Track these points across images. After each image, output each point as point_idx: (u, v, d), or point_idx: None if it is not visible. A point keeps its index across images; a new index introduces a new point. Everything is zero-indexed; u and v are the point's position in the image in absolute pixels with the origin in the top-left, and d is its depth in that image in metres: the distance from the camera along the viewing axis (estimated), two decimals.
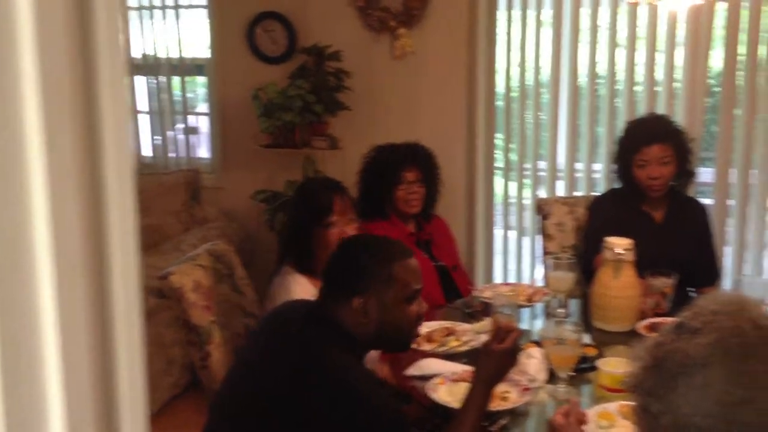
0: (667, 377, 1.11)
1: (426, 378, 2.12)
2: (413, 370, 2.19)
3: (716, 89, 3.82)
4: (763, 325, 1.10)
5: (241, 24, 4.28)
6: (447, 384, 2.07)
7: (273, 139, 4.05)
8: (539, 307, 2.81)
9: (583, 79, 3.91)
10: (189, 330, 2.29)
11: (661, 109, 3.71)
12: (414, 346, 2.34)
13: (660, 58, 3.75)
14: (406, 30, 3.96)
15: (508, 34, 3.97)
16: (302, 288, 2.34)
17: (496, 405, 1.95)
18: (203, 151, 4.82)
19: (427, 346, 2.36)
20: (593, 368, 2.14)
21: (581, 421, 1.73)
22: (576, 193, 3.99)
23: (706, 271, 3.03)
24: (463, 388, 2.02)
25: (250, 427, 1.69)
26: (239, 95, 4.23)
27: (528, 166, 4.13)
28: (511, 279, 4.20)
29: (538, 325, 2.68)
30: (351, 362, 1.73)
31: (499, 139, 4.17)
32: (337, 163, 3.99)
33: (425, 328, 2.46)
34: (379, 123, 4.07)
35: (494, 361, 1.80)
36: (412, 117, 4.07)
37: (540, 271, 3.77)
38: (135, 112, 4.80)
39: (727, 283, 3.54)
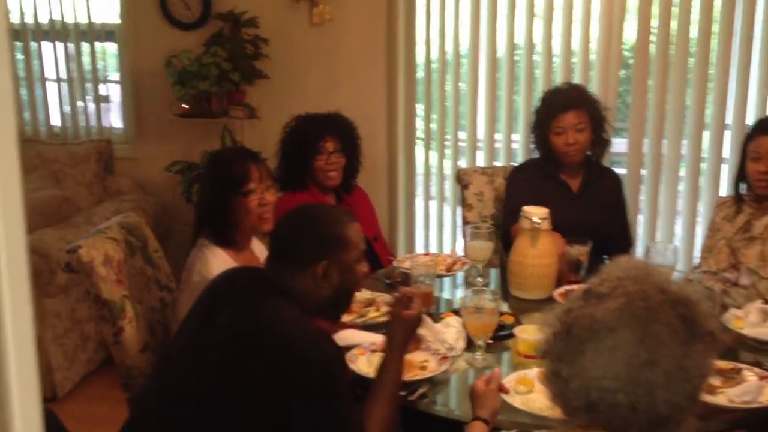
0: (576, 342, 1.13)
1: (345, 349, 2.10)
2: None
3: (630, 61, 3.89)
4: (668, 290, 1.13)
5: None
6: (366, 354, 2.06)
7: (189, 108, 3.93)
8: (459, 276, 2.83)
9: (501, 49, 3.92)
10: (100, 305, 2.22)
11: (577, 80, 3.76)
12: None
13: (576, 30, 3.79)
14: None
15: (428, 3, 3.94)
16: (219, 260, 2.28)
17: (414, 374, 1.95)
18: (116, 121, 4.65)
19: (346, 317, 2.33)
20: (511, 336, 2.17)
21: (501, 389, 1.75)
22: (495, 163, 4.02)
23: (620, 239, 3.10)
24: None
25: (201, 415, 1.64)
26: (152, 63, 4.09)
27: (448, 136, 4.14)
28: (433, 249, 4.22)
29: (459, 294, 2.70)
30: (308, 323, 1.72)
31: (419, 109, 4.16)
32: (255, 133, 3.92)
33: None
34: (298, 92, 4.00)
35: (405, 327, 1.83)
36: (331, 86, 4.01)
37: (461, 241, 3.80)
38: (43, 80, 4.60)
39: (639, 250, 3.63)
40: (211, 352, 1.64)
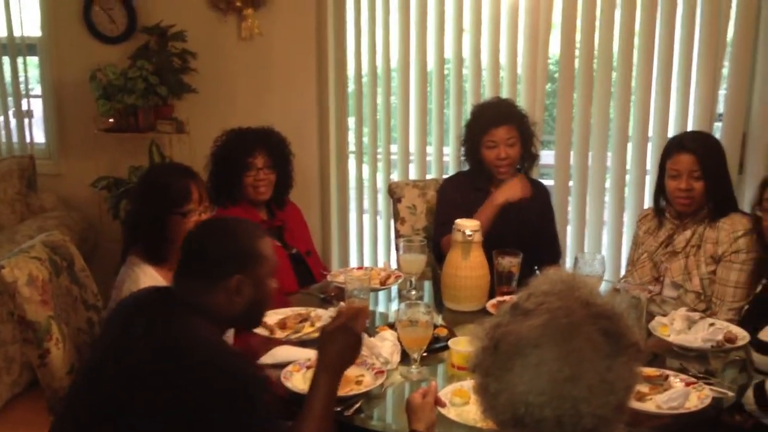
0: (503, 358, 1.15)
1: (280, 366, 2.09)
2: (267, 359, 2.15)
3: (556, 75, 3.98)
4: (592, 303, 1.15)
5: (76, 1, 4.03)
6: (301, 371, 2.05)
7: (114, 123, 3.85)
8: (393, 289, 2.84)
9: (431, 63, 3.96)
10: (25, 327, 2.14)
11: (505, 93, 3.82)
12: (267, 334, 2.31)
13: (503, 44, 3.86)
14: (253, 11, 3.87)
15: (357, 18, 3.96)
16: (150, 279, 2.24)
17: (350, 389, 1.94)
18: (38, 136, 4.52)
19: (280, 334, 2.32)
20: (445, 348, 2.18)
21: (438, 402, 1.75)
22: (427, 176, 4.06)
23: (550, 250, 3.17)
24: None
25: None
26: (75, 77, 3.99)
27: (380, 149, 4.15)
28: (367, 263, 4.22)
29: (394, 307, 2.70)
30: (220, 341, 1.70)
31: (351, 122, 4.16)
32: (184, 148, 3.85)
33: (278, 315, 2.43)
34: (228, 106, 3.96)
35: (333, 344, 1.77)
36: (262, 100, 3.98)
37: (395, 254, 3.81)
38: None
39: (569, 260, 3.71)
40: (125, 374, 1.59)
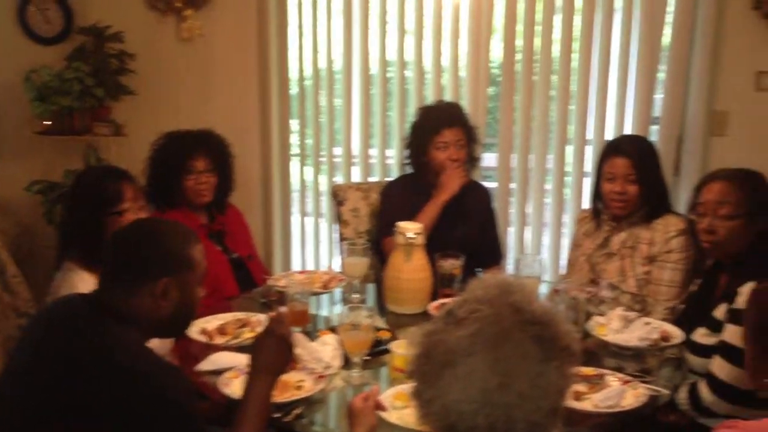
0: (435, 366, 1.15)
1: (218, 372, 2.05)
2: (205, 365, 2.11)
3: (498, 78, 4.02)
4: (524, 309, 1.16)
5: (9, 0, 3.92)
6: (240, 377, 2.01)
7: (50, 125, 3.74)
8: (337, 293, 2.82)
9: (374, 66, 3.96)
10: None
11: (448, 97, 3.84)
12: (206, 339, 2.27)
13: (446, 47, 3.88)
14: (193, 11, 3.81)
15: (300, 19, 3.93)
16: (86, 284, 2.17)
17: (290, 395, 1.92)
18: None
19: (219, 339, 2.29)
20: (387, 351, 2.17)
21: (379, 406, 1.75)
22: (371, 179, 4.05)
23: (492, 252, 3.19)
24: None
25: None
26: (9, 78, 3.86)
27: (324, 152, 4.13)
28: (310, 266, 4.20)
29: (336, 311, 2.69)
30: (140, 347, 1.63)
31: (294, 125, 4.14)
32: (122, 151, 3.77)
33: (218, 320, 2.40)
34: (167, 108, 3.89)
35: (263, 349, 1.76)
36: (202, 102, 3.93)
37: (339, 257, 3.80)
38: None
39: (510, 261, 3.74)
40: (47, 387, 1.53)
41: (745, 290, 2.10)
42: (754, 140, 3.83)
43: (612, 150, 2.77)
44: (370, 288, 2.92)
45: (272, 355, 1.75)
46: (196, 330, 2.28)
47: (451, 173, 2.98)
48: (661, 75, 3.87)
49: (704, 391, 2.11)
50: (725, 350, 2.08)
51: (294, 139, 4.15)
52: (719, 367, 2.09)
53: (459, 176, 2.99)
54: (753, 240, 2.24)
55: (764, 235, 2.23)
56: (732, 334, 2.06)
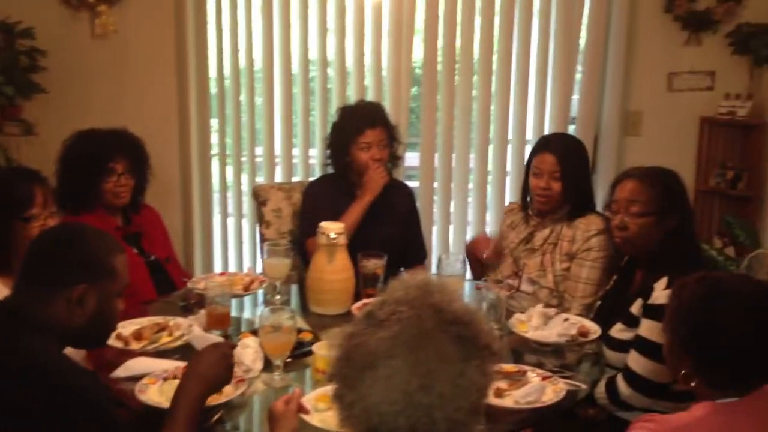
0: (356, 369, 1.14)
1: (135, 379, 1.99)
2: (120, 372, 2.04)
3: (421, 78, 4.03)
4: (444, 310, 1.16)
5: None
6: (158, 383, 1.96)
7: None
8: (260, 295, 2.78)
9: (296, 65, 3.92)
10: None
11: (370, 96, 3.85)
12: (121, 345, 2.20)
13: (368, 47, 3.88)
14: (107, 7, 3.70)
15: (218, 17, 3.86)
16: None
17: (211, 399, 1.87)
18: None
19: (136, 345, 2.21)
20: (310, 353, 2.15)
21: (301, 409, 1.72)
22: (294, 179, 4.02)
23: (415, 251, 3.20)
24: (175, 385, 1.93)
25: None
26: None
27: (245, 152, 4.07)
28: (232, 268, 4.13)
29: (258, 313, 2.64)
30: (56, 354, 1.57)
31: (214, 124, 4.06)
32: (33, 151, 3.63)
33: (134, 325, 2.33)
34: (81, 107, 3.77)
35: (206, 360, 1.74)
36: (118, 100, 3.81)
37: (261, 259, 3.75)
38: None
39: (434, 260, 3.76)
40: None
41: (660, 285, 2.16)
42: (667, 139, 3.96)
43: (542, 146, 2.81)
44: (294, 289, 2.88)
45: (212, 367, 1.73)
46: (111, 335, 2.20)
47: (373, 174, 2.98)
48: (579, 76, 3.96)
49: (621, 385, 2.16)
50: (641, 345, 2.14)
51: (214, 139, 4.07)
52: (635, 361, 2.14)
53: (381, 176, 2.99)
54: (665, 236, 2.30)
55: (675, 232, 2.30)
56: (647, 328, 2.12)
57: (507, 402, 1.90)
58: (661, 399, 2.12)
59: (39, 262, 1.64)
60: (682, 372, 1.63)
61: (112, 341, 2.18)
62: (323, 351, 2.05)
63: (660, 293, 2.13)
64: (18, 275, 1.68)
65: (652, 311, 2.12)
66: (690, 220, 2.38)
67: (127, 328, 2.30)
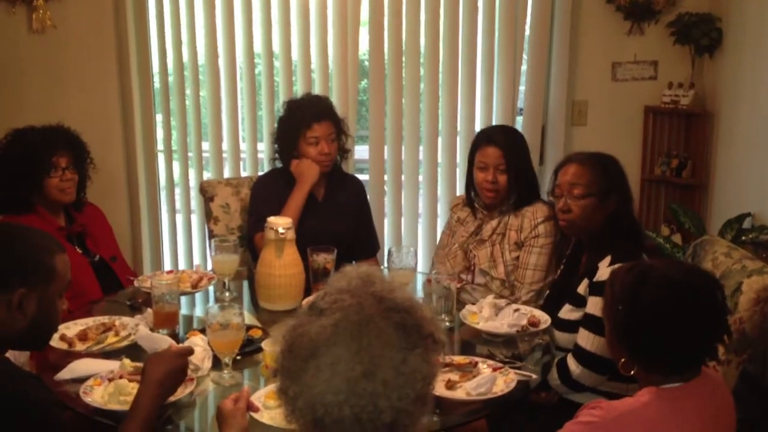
0: (299, 360, 1.13)
1: (80, 380, 1.94)
2: (64, 374, 1.99)
3: (368, 70, 4.01)
4: (385, 298, 1.15)
5: None
6: (103, 384, 1.91)
7: None
8: (208, 291, 2.74)
9: (240, 58, 3.87)
10: None
11: (317, 90, 3.81)
12: (66, 347, 2.15)
13: (313, 40, 3.84)
14: (44, 2, 3.60)
15: (160, 9, 3.78)
16: None
17: None
18: None
19: (81, 346, 2.16)
20: (259, 350, 2.12)
21: (250, 407, 1.70)
22: (243, 174, 3.97)
23: (366, 244, 3.19)
24: (121, 386, 1.89)
25: None
26: None
27: (191, 147, 4.01)
28: (182, 265, 4.07)
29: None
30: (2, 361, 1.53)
31: (159, 119, 3.99)
32: None
33: (79, 326, 2.28)
34: (18, 104, 3.66)
35: (161, 364, 1.72)
36: (56, 97, 3.72)
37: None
38: None
39: (386, 252, 3.76)
40: None
41: (604, 263, 2.22)
42: (612, 129, 4.01)
43: (484, 140, 2.82)
44: (245, 285, 2.85)
45: (170, 376, 1.72)
46: (55, 336, 2.14)
47: (305, 161, 2.95)
48: (525, 67, 3.99)
49: (572, 364, 2.21)
50: (589, 321, 2.19)
51: (160, 134, 4.00)
52: (584, 338, 2.19)
53: (311, 163, 2.96)
54: (607, 218, 2.38)
55: (616, 213, 2.38)
56: (594, 305, 2.17)
57: (459, 394, 1.91)
58: (612, 378, 2.16)
59: None
60: (621, 360, 1.66)
61: (56, 343, 2.14)
62: (273, 347, 2.03)
63: (604, 270, 2.20)
64: None
65: (597, 288, 2.17)
66: (629, 202, 2.45)
67: (71, 329, 2.25)
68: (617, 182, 2.41)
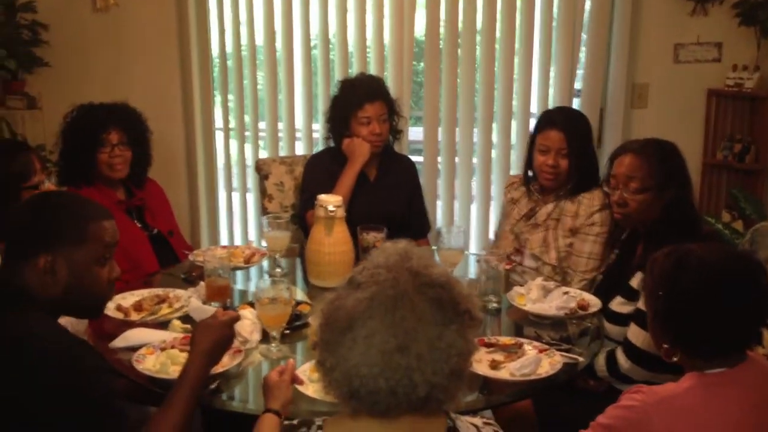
0: (335, 333, 1.15)
1: (133, 349, 2.01)
2: (118, 342, 2.06)
3: (423, 52, 4.00)
4: (422, 273, 1.16)
5: None
6: (155, 353, 1.97)
7: None
8: (262, 267, 2.79)
9: (298, 40, 3.90)
10: None
11: (372, 71, 3.81)
12: (121, 316, 2.22)
13: (369, 21, 3.84)
14: None
15: None
16: None
17: None
18: None
19: (135, 316, 2.23)
20: (307, 324, 2.16)
21: (295, 380, 1.73)
22: (298, 153, 4.01)
23: (418, 225, 3.19)
24: (173, 356, 1.94)
25: None
26: None
27: (248, 126, 4.06)
28: (237, 241, 4.15)
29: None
30: (44, 323, 1.55)
31: (218, 99, 4.05)
32: (37, 125, 3.64)
33: (134, 296, 2.35)
34: (84, 81, 3.75)
35: (209, 333, 1.74)
36: (119, 74, 3.80)
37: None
38: None
39: (437, 234, 3.76)
40: None
41: None
42: (673, 112, 3.92)
43: (547, 122, 2.77)
44: (297, 262, 2.89)
45: (217, 345, 1.74)
46: (111, 306, 2.22)
47: (356, 140, 2.96)
48: (583, 48, 3.92)
49: (621, 358, 2.16)
50: (640, 317, 2.12)
51: (218, 113, 4.07)
52: (634, 334, 2.14)
53: (362, 142, 2.97)
54: (664, 209, 2.29)
55: (674, 204, 2.28)
56: None
57: (502, 374, 1.91)
58: (661, 372, 2.11)
59: (10, 232, 1.63)
60: (664, 346, 1.63)
61: (112, 312, 2.21)
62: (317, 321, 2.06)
63: None
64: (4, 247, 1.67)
65: None
66: (689, 191, 2.36)
67: (127, 299, 2.32)
68: (676, 172, 2.32)
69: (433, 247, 2.81)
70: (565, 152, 2.71)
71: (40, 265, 1.57)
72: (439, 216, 4.09)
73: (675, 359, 1.62)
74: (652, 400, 1.52)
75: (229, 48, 3.92)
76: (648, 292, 1.69)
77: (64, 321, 1.72)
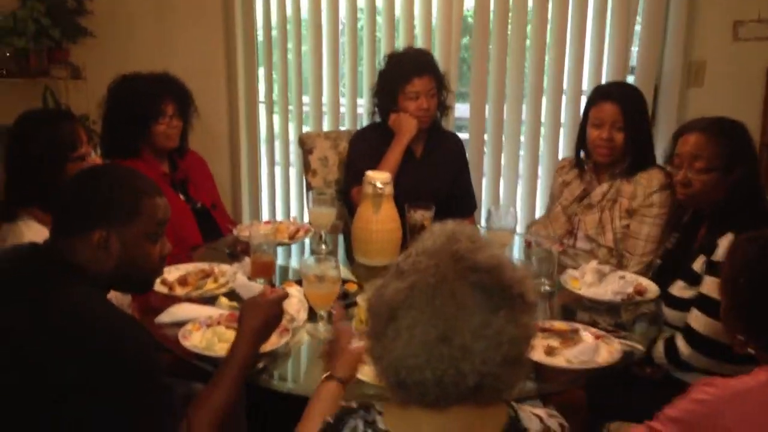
0: (380, 322, 1.10)
1: (179, 324, 1.97)
2: (164, 317, 2.03)
3: (472, 27, 3.90)
4: (464, 257, 1.09)
5: None
6: (202, 330, 1.93)
7: (3, 67, 3.57)
8: (304, 243, 2.74)
9: (343, 13, 3.82)
10: None
11: (419, 45, 3.72)
12: (166, 291, 2.19)
13: None
14: None
15: None
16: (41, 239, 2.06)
17: None
18: None
19: (180, 291, 2.20)
20: (354, 304, 2.10)
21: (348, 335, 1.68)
22: (341, 128, 3.95)
23: (464, 202, 3.12)
24: (219, 333, 1.90)
25: None
26: None
27: (292, 100, 4.01)
28: (279, 216, 4.11)
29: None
30: (93, 297, 1.53)
31: (261, 72, 4.00)
32: (81, 95, 3.63)
33: (179, 270, 2.31)
34: (127, 51, 3.73)
35: (257, 312, 1.70)
36: (164, 46, 3.77)
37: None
38: None
39: (483, 212, 3.68)
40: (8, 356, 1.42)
41: (724, 242, 2.05)
42: (731, 91, 3.78)
43: (601, 95, 2.67)
44: (340, 239, 2.84)
45: (264, 319, 1.70)
46: (156, 280, 2.18)
47: (403, 116, 2.89)
48: (639, 23, 3.79)
49: (681, 345, 2.07)
50: (703, 302, 2.04)
51: (261, 87, 4.02)
52: (696, 319, 2.05)
53: (408, 118, 2.90)
54: (729, 191, 2.18)
55: (741, 185, 2.18)
56: (710, 286, 2.02)
57: (558, 361, 1.83)
58: (723, 360, 2.02)
59: (63, 207, 1.60)
60: (738, 337, 1.55)
61: (157, 287, 2.17)
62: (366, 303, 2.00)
63: (725, 250, 2.01)
64: (51, 225, 1.64)
65: (715, 268, 2.02)
66: (756, 173, 2.24)
67: (172, 273, 2.28)
68: (744, 153, 2.20)
69: (481, 227, 2.74)
70: (621, 125, 2.60)
71: (94, 240, 1.54)
72: (483, 194, 4.01)
73: (749, 350, 1.53)
74: (725, 394, 1.44)
75: (274, 21, 3.85)
76: (726, 278, 1.59)
77: (109, 295, 1.69)
